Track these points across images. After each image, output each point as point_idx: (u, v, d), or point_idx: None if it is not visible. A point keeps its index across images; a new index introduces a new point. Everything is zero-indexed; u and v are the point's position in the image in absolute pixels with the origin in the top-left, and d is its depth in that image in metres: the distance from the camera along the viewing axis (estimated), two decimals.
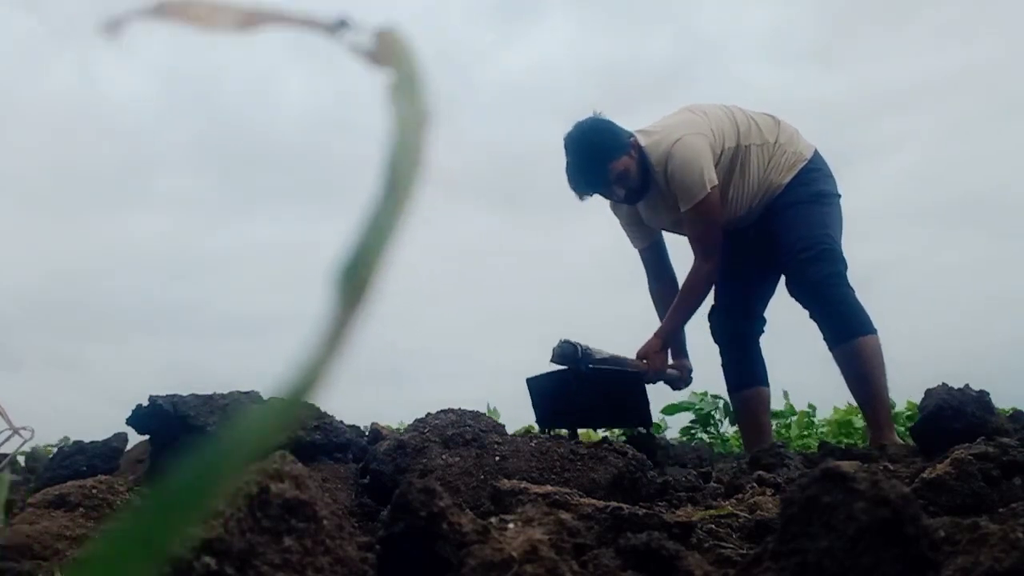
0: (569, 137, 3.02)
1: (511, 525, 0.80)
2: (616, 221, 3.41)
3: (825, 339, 2.93)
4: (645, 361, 3.03)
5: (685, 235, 3.13)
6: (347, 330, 0.18)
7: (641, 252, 3.37)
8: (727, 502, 1.51)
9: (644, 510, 1.04)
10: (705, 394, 4.94)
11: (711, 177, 2.91)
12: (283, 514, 0.73)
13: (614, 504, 1.09)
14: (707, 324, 3.34)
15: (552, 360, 2.95)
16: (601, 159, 2.95)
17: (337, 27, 0.22)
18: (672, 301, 3.16)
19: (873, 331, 2.86)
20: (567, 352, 2.85)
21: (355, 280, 0.19)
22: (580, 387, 2.82)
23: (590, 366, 2.85)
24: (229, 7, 0.23)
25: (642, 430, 2.95)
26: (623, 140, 2.99)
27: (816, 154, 3.14)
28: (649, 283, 3.40)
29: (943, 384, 2.12)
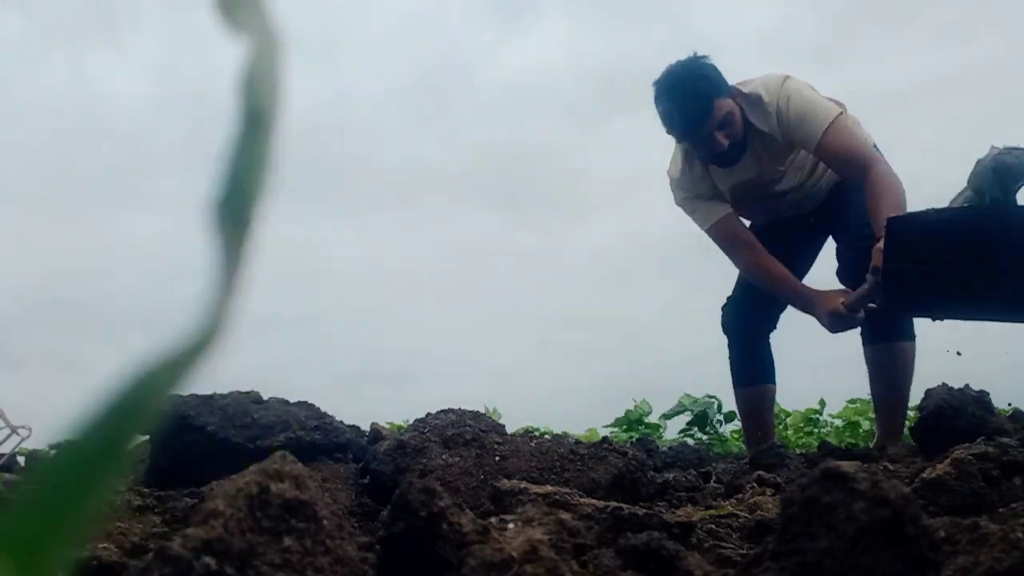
0: (668, 74, 2.68)
1: (511, 525, 0.80)
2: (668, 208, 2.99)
3: (865, 332, 2.77)
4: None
5: (779, 191, 2.77)
6: (238, 268, 0.18)
7: (718, 224, 2.89)
8: (727, 502, 1.51)
9: (644, 510, 1.04)
10: (697, 400, 4.95)
11: (833, 105, 2.65)
12: (283, 514, 0.73)
13: (614, 504, 1.09)
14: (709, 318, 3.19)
15: (977, 178, 1.77)
16: (708, 93, 2.61)
17: None
18: (782, 268, 2.78)
19: (914, 337, 2.78)
20: (1015, 171, 1.64)
21: (234, 213, 0.18)
22: (1008, 238, 1.70)
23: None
24: None
25: None
26: (726, 82, 2.69)
27: (875, 144, 2.91)
28: (740, 257, 2.91)
29: (943, 384, 2.12)
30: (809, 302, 2.72)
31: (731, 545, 1.03)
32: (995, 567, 0.65)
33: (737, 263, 2.97)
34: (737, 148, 2.72)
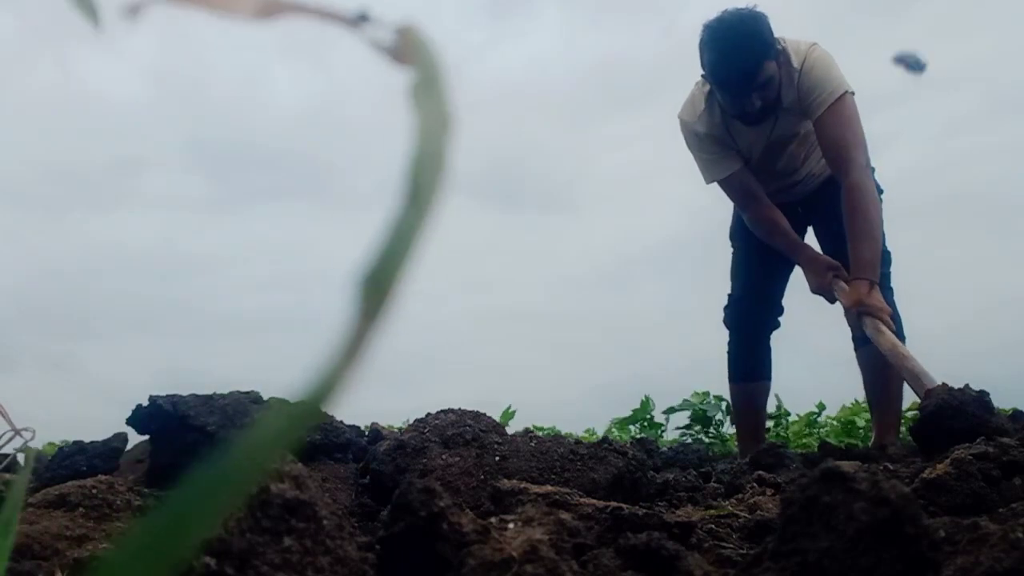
0: (722, 23, 2.60)
1: (511, 525, 0.80)
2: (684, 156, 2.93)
3: (855, 336, 2.84)
4: (864, 320, 2.52)
5: (791, 166, 2.80)
6: (367, 338, 0.18)
7: (730, 178, 2.87)
8: (727, 502, 1.51)
9: (644, 510, 1.04)
10: (707, 394, 4.94)
11: (848, 82, 2.64)
12: (283, 514, 0.73)
13: (614, 504, 1.09)
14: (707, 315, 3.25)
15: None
16: (760, 54, 2.56)
17: (358, 21, 0.22)
18: (787, 223, 2.81)
19: (904, 338, 2.78)
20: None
21: (377, 287, 0.19)
22: None
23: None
24: None
25: None
26: (776, 41, 2.62)
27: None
28: (750, 210, 2.91)
29: (943, 384, 2.12)
30: (804, 262, 2.79)
31: (731, 545, 1.03)
32: (995, 567, 0.65)
33: (747, 214, 2.95)
34: (767, 111, 2.69)
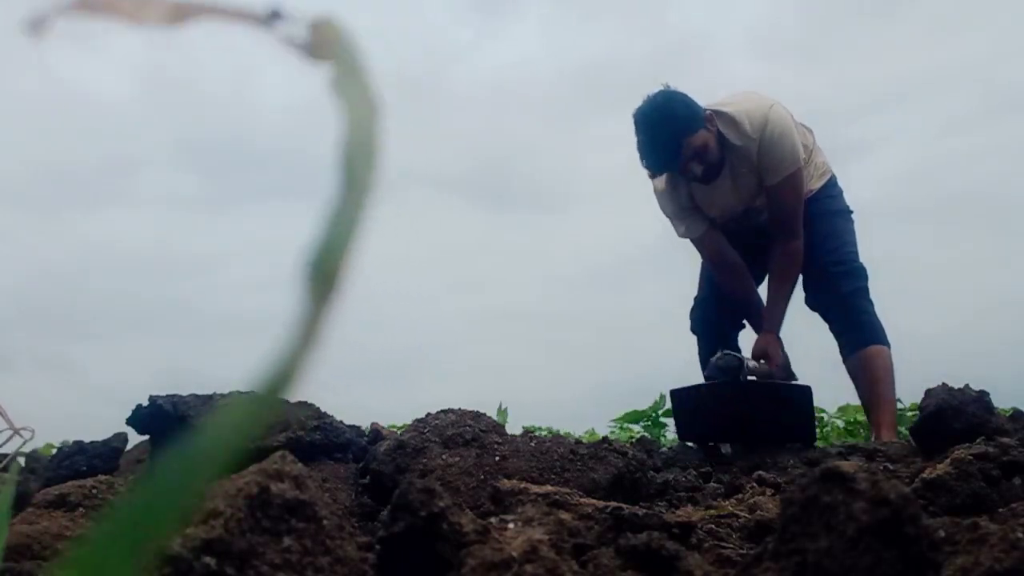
0: (640, 112, 2.83)
1: (511, 525, 0.80)
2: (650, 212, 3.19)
3: (843, 349, 3.00)
4: (762, 361, 2.88)
5: (748, 219, 3.02)
6: (318, 325, 0.19)
7: (700, 238, 3.11)
8: (727, 502, 1.51)
9: (644, 510, 1.04)
10: None
11: (802, 154, 2.87)
12: (283, 514, 0.73)
13: (614, 504, 1.09)
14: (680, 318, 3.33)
15: (709, 375, 2.76)
16: (677, 134, 2.77)
17: (270, 19, 0.22)
18: (746, 283, 3.09)
19: (888, 344, 2.96)
20: (731, 365, 2.65)
21: (323, 275, 0.19)
22: (738, 402, 2.63)
23: (750, 378, 2.67)
24: (157, 1, 0.22)
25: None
26: (699, 113, 2.83)
27: (834, 174, 3.21)
28: (718, 271, 3.16)
29: (943, 384, 2.12)
30: (757, 326, 3.06)
31: (731, 545, 1.03)
32: (995, 567, 0.65)
33: (718, 277, 3.18)
34: (714, 170, 2.91)
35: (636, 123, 2.84)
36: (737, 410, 2.63)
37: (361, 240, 0.20)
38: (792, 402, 2.67)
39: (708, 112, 2.84)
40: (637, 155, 2.88)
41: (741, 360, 2.67)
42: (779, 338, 2.92)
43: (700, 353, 3.30)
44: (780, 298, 2.95)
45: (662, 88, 2.85)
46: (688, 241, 3.16)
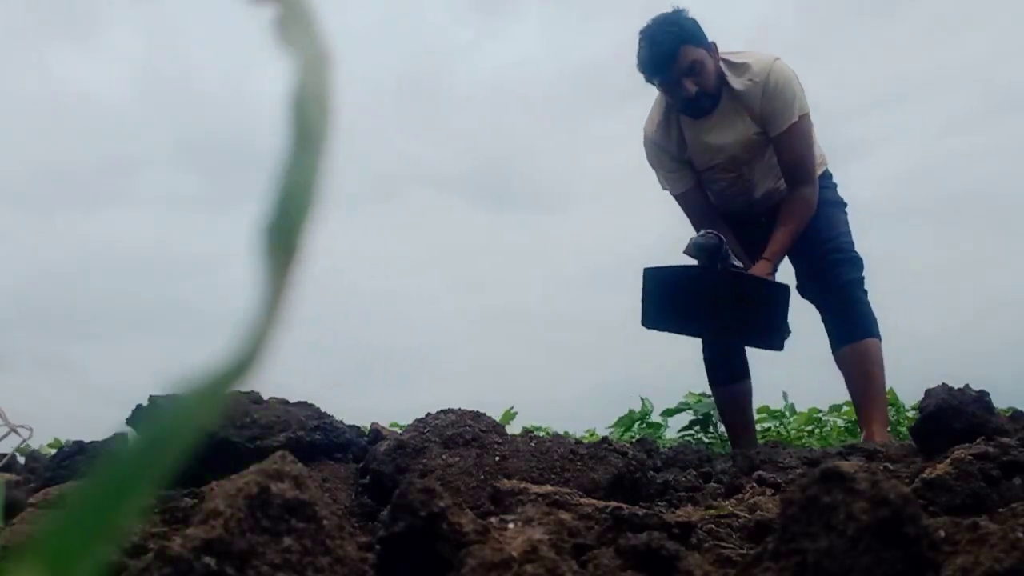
0: (649, 20, 2.87)
1: (511, 525, 0.80)
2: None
3: (833, 339, 2.97)
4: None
5: (742, 166, 2.99)
6: (283, 293, 0.18)
7: (684, 194, 3.11)
8: (727, 502, 1.51)
9: (644, 510, 1.04)
10: (703, 395, 4.93)
11: (807, 101, 2.86)
12: (283, 514, 0.73)
13: (614, 504, 1.09)
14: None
15: (687, 252, 2.56)
16: (677, 39, 2.79)
17: None
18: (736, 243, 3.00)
19: (879, 337, 2.94)
20: (710, 245, 2.49)
21: (283, 239, 0.18)
22: (712, 288, 2.54)
23: (733, 266, 2.55)
24: None
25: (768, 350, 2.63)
26: (704, 35, 2.85)
27: (827, 166, 3.21)
28: (698, 227, 3.08)
29: (943, 384, 2.11)
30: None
31: (731, 545, 1.03)
32: (995, 567, 0.65)
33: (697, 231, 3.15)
34: (707, 99, 2.87)
35: (642, 31, 2.86)
36: (710, 297, 2.53)
37: (319, 198, 0.18)
38: (767, 299, 2.57)
39: (714, 44, 2.87)
40: (638, 66, 2.89)
41: (721, 240, 2.52)
42: (774, 270, 2.85)
43: (705, 354, 3.26)
44: (785, 234, 2.86)
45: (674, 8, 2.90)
46: (686, 237, 3.15)
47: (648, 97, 3.12)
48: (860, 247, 3.09)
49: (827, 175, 3.16)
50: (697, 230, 3.08)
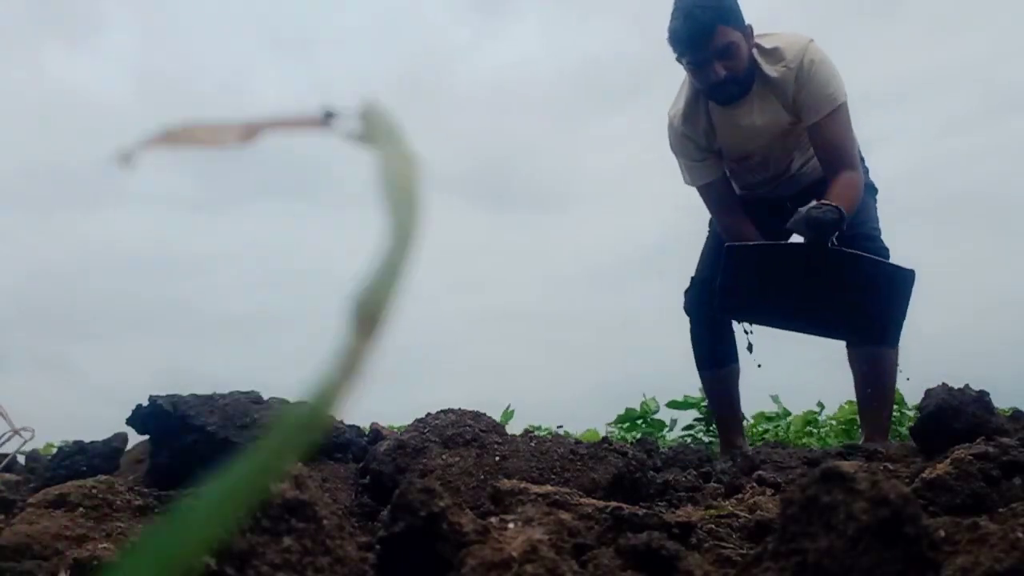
0: None
1: (511, 525, 0.80)
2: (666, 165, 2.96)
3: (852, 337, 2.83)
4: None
5: (775, 153, 2.81)
6: (362, 357, 0.20)
7: (708, 186, 2.92)
8: (727, 502, 1.51)
9: (644, 510, 1.04)
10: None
11: (846, 90, 2.67)
12: (283, 514, 0.73)
13: (614, 504, 1.09)
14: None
15: (792, 227, 2.16)
16: (715, 17, 2.59)
17: (326, 119, 0.24)
18: (750, 236, 2.77)
19: (897, 344, 2.80)
20: (827, 220, 2.06)
21: (369, 313, 0.21)
22: (822, 271, 2.13)
23: (846, 249, 2.12)
24: (228, 125, 0.25)
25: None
26: (742, 16, 2.65)
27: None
28: (721, 219, 2.94)
29: (943, 384, 2.11)
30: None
31: (731, 545, 1.03)
32: (995, 567, 0.65)
33: (720, 225, 2.97)
34: (737, 85, 2.70)
35: (675, 5, 2.66)
36: (818, 282, 2.09)
37: (405, 284, 0.22)
38: (891, 285, 2.17)
39: (751, 27, 2.68)
40: (668, 39, 2.69)
41: (842, 215, 2.08)
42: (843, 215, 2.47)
43: (694, 337, 3.15)
44: (838, 193, 2.50)
45: None
46: (689, 235, 3.06)
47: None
48: None
49: (861, 156, 2.92)
50: (720, 223, 2.94)
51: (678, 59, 2.77)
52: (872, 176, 2.98)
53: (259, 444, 0.19)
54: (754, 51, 2.70)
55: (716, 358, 3.11)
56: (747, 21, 2.70)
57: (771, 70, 2.68)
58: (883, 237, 2.83)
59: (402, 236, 0.22)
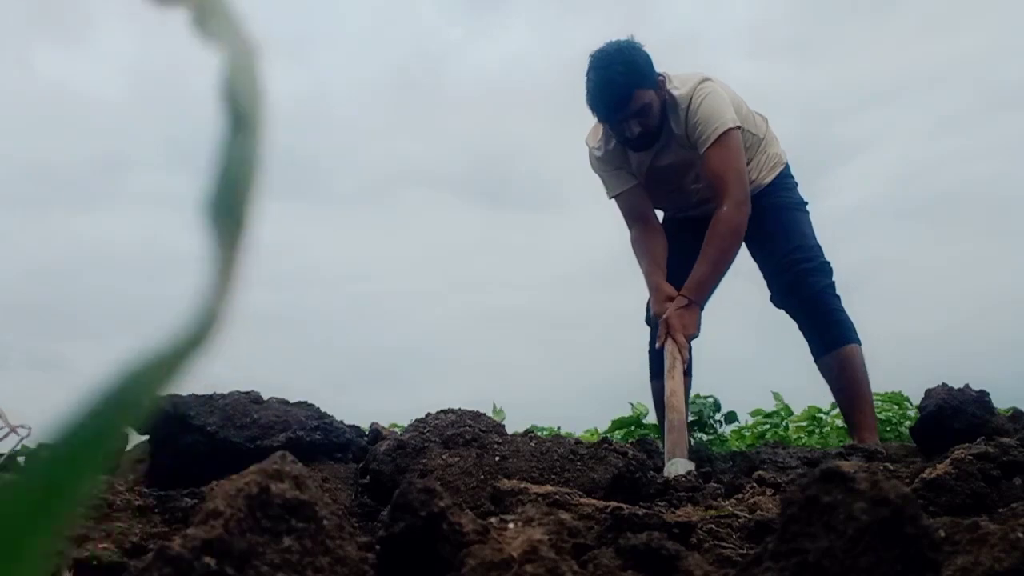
0: (601, 52, 2.76)
1: (511, 525, 0.80)
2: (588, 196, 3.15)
3: (813, 349, 2.97)
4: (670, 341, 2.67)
5: (689, 188, 2.98)
6: (232, 267, 0.18)
7: (623, 195, 3.05)
8: (727, 502, 1.51)
9: (644, 510, 1.04)
10: (697, 396, 4.93)
11: (735, 118, 2.78)
12: (283, 514, 0.73)
13: (614, 504, 1.09)
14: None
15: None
16: (632, 83, 2.71)
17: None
18: (658, 250, 2.97)
19: (859, 342, 2.92)
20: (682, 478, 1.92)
21: (227, 216, 0.19)
22: None
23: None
24: None
25: None
26: (654, 73, 2.79)
27: (788, 164, 3.18)
28: (633, 231, 3.08)
29: (943, 384, 2.12)
30: (651, 287, 2.94)
31: (731, 545, 1.03)
32: (995, 567, 0.66)
33: (630, 233, 3.10)
34: (647, 137, 2.86)
35: (593, 63, 2.77)
36: None
37: (257, 176, 0.20)
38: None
39: (661, 77, 2.82)
40: (587, 102, 2.82)
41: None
42: (692, 305, 2.71)
43: (651, 347, 3.20)
44: (706, 265, 2.73)
45: (628, 38, 2.80)
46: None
47: None
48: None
49: (785, 174, 3.12)
50: (632, 232, 3.08)
51: (596, 117, 2.93)
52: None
53: (133, 367, 0.17)
54: (667, 98, 2.84)
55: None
56: (658, 72, 2.83)
57: (674, 120, 2.85)
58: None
59: (244, 131, 0.20)
